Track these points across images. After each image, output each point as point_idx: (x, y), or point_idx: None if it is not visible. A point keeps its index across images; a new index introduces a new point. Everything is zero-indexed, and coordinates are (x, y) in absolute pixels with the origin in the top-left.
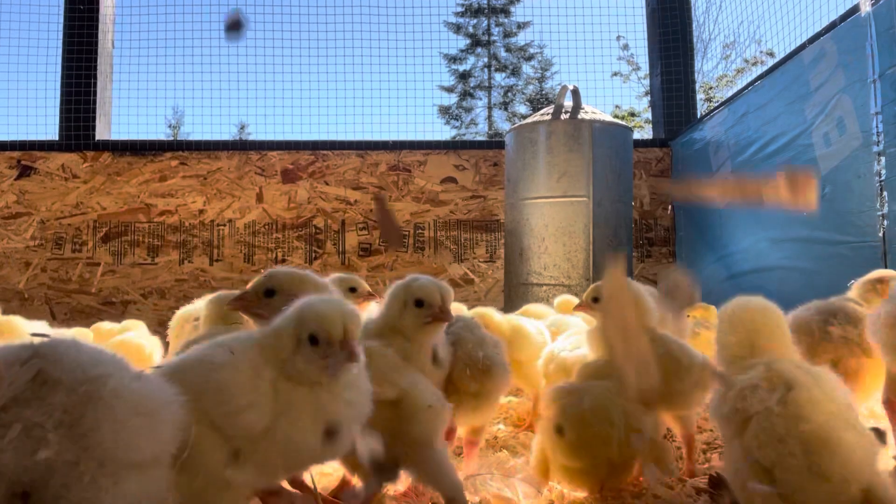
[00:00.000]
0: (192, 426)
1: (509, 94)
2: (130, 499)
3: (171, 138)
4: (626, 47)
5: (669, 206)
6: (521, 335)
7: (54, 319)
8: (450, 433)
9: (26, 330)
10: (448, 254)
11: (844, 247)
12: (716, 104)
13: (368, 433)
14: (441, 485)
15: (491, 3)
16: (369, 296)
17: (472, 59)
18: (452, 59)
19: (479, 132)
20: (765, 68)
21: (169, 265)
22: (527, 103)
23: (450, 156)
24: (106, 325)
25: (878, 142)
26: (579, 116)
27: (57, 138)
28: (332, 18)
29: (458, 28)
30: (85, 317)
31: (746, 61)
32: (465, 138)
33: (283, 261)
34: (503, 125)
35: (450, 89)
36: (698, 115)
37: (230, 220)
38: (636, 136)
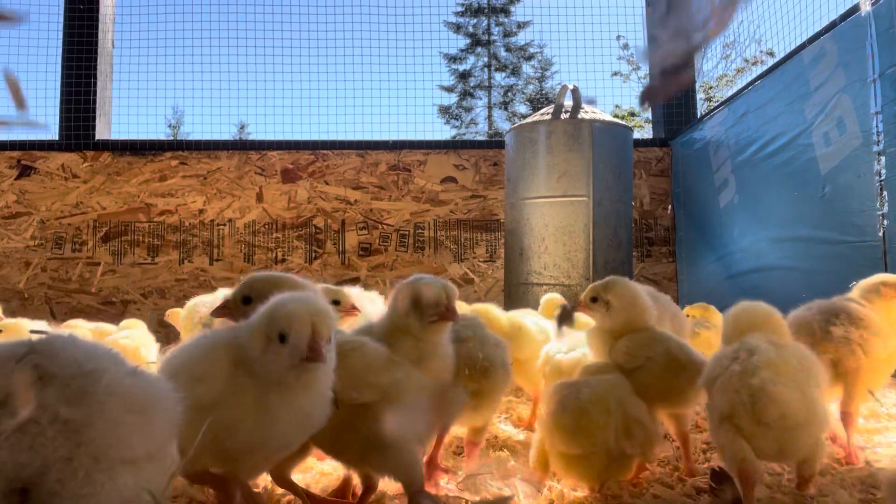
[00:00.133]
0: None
1: (509, 93)
2: (126, 494)
3: (171, 138)
4: (626, 47)
5: (669, 206)
6: (521, 333)
7: (54, 319)
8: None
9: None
10: (448, 253)
11: (844, 246)
12: (716, 104)
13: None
14: (400, 478)
15: (491, 3)
16: (352, 309)
17: (472, 59)
18: (452, 59)
19: (479, 132)
20: (765, 68)
21: (169, 265)
22: (527, 103)
23: (450, 155)
24: (103, 327)
25: (878, 141)
26: (579, 116)
27: (57, 138)
28: (332, 18)
29: (458, 28)
30: (85, 317)
31: (746, 61)
32: (465, 138)
33: (283, 260)
34: (503, 125)
35: (450, 89)
36: (698, 115)
37: (230, 220)
38: (636, 135)
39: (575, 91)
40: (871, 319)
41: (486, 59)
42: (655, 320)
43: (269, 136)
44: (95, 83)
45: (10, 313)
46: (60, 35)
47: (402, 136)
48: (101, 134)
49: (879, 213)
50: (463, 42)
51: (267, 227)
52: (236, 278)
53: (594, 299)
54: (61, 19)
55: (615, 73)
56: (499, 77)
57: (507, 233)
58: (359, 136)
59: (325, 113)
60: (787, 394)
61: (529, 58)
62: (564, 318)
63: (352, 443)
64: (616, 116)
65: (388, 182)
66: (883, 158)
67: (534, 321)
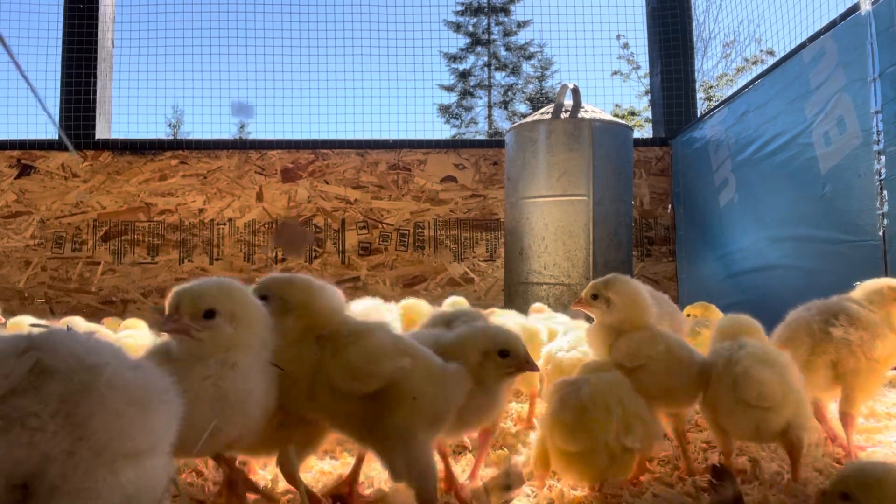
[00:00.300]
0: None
1: (509, 92)
2: (128, 488)
3: (171, 137)
4: (626, 46)
5: (669, 206)
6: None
7: (54, 318)
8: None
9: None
10: (448, 253)
11: (844, 246)
12: (716, 103)
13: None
14: (413, 481)
15: (491, 2)
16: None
17: (472, 58)
18: (452, 58)
19: (479, 131)
20: (765, 67)
21: (169, 264)
22: (527, 102)
23: (450, 155)
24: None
25: (879, 140)
26: (579, 115)
27: (57, 137)
28: (332, 18)
29: (458, 27)
30: (85, 316)
31: (746, 60)
32: (465, 137)
33: (283, 260)
34: (503, 124)
35: (450, 88)
36: (698, 114)
37: (230, 219)
38: (636, 134)
39: (575, 90)
40: (871, 320)
41: (486, 59)
42: (656, 319)
43: (269, 136)
44: (95, 82)
45: (10, 313)
46: (60, 34)
47: (402, 136)
48: (100, 133)
49: (879, 212)
50: (463, 41)
51: (267, 226)
52: (236, 278)
53: (595, 296)
54: (61, 19)
55: (615, 73)
56: (499, 76)
57: (507, 232)
58: (359, 136)
59: (324, 112)
60: (766, 375)
61: (529, 57)
62: None
63: (374, 432)
64: (616, 115)
65: (388, 181)
66: (883, 158)
67: (534, 321)
